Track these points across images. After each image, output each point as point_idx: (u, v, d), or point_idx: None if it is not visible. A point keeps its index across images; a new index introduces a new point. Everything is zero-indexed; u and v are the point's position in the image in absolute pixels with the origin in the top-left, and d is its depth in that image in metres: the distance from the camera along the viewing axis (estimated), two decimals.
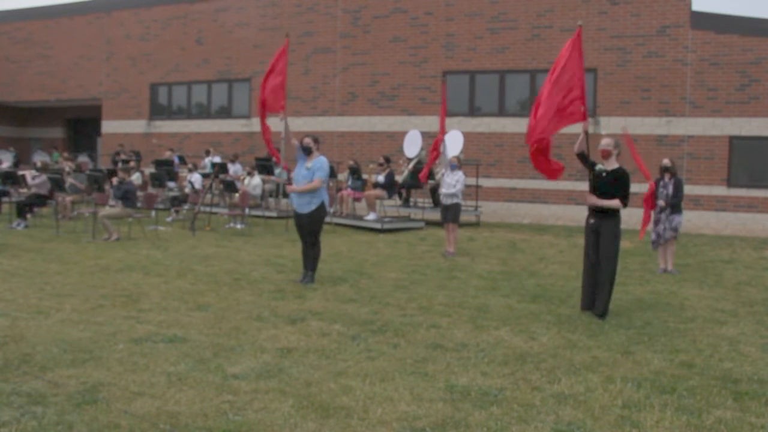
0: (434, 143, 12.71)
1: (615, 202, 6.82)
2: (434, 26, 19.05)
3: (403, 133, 17.41)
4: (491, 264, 10.46)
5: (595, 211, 6.95)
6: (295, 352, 5.35)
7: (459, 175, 11.45)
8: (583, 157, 7.08)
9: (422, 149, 16.36)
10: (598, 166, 6.99)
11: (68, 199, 14.83)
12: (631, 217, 15.39)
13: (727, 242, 13.56)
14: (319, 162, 8.39)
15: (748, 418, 4.20)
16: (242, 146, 21.36)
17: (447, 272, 9.57)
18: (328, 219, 14.82)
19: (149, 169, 18.82)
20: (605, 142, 6.99)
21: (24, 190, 15.16)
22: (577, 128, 7.34)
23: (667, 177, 10.07)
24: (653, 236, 10.22)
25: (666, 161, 10.29)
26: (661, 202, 9.98)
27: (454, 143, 15.22)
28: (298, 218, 8.49)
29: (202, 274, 8.84)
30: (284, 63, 8.75)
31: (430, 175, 15.65)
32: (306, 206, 8.36)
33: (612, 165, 6.96)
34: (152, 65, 23.56)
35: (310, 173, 8.35)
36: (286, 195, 13.98)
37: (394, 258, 10.82)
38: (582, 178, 16.95)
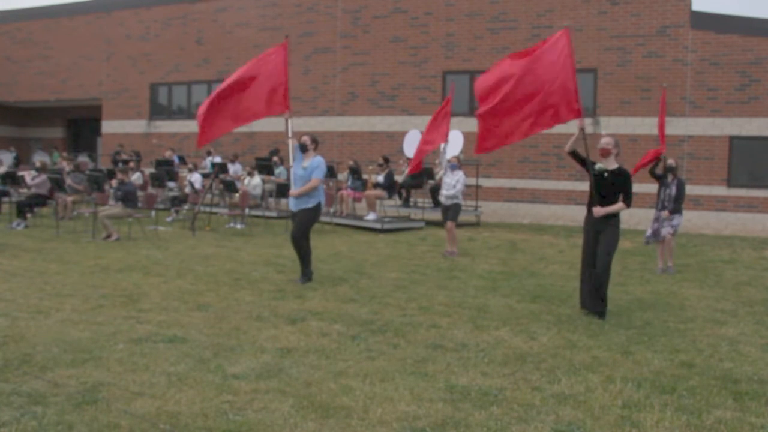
0: (432, 140, 12.30)
1: (619, 206, 6.77)
2: (434, 26, 19.05)
3: (403, 133, 17.42)
4: (491, 264, 10.46)
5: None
6: (295, 352, 5.35)
7: (459, 175, 11.44)
8: (576, 156, 7.01)
9: None
10: (598, 166, 6.93)
11: (69, 199, 14.84)
12: (632, 217, 15.42)
13: (727, 242, 13.56)
14: (316, 161, 8.42)
15: (748, 418, 4.20)
16: (242, 146, 21.37)
17: (447, 272, 9.56)
18: (327, 219, 14.85)
19: (149, 169, 18.82)
20: (605, 141, 6.94)
21: (24, 190, 15.16)
22: (574, 128, 7.31)
23: (670, 177, 10.08)
24: (648, 232, 10.23)
25: (671, 161, 10.30)
26: (665, 213, 9.97)
27: (454, 143, 15.21)
28: (293, 216, 8.54)
29: (202, 274, 8.84)
30: (285, 64, 8.72)
31: (430, 175, 15.67)
32: (302, 204, 8.38)
33: (612, 164, 6.91)
34: (152, 65, 23.56)
35: (306, 173, 8.36)
36: (285, 195, 14.00)
37: (394, 258, 10.82)
38: (582, 178, 16.94)
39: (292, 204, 8.53)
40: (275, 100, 8.66)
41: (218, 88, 8.79)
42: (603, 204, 6.81)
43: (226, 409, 4.12)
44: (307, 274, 8.42)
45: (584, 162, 6.98)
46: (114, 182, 13.29)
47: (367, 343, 5.69)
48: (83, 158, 22.96)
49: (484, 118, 7.11)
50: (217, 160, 18.78)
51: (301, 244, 8.41)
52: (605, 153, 6.89)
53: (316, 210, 8.47)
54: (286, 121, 8.66)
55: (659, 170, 10.37)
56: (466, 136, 16.33)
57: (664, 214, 9.96)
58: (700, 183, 16.32)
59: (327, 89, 20.43)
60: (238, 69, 9.04)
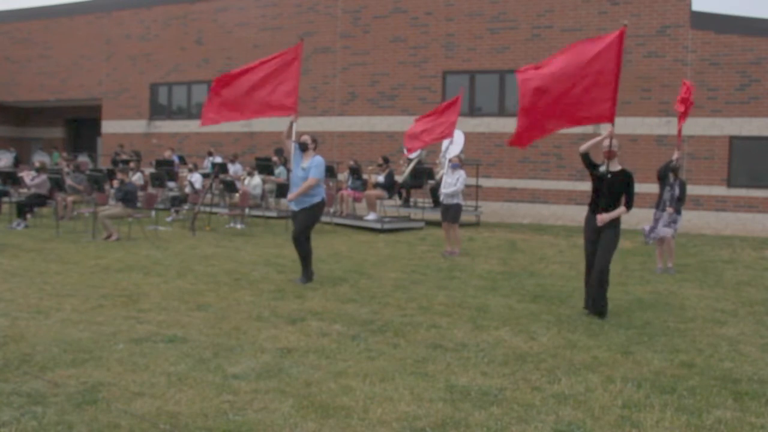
0: (433, 129, 12.09)
1: (621, 210, 6.81)
2: (434, 26, 19.05)
3: (403, 133, 17.39)
4: (491, 264, 10.46)
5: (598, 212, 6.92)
6: (295, 352, 5.35)
7: (460, 174, 11.43)
8: (586, 158, 7.01)
9: (422, 149, 16.34)
10: (602, 168, 6.94)
11: (69, 199, 14.84)
12: (632, 217, 15.36)
13: (727, 242, 13.56)
14: (315, 161, 8.38)
15: (748, 418, 4.20)
16: (242, 146, 21.36)
17: (447, 272, 9.56)
18: (328, 219, 14.84)
19: (149, 169, 18.83)
20: (609, 143, 6.94)
21: (24, 190, 15.16)
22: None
23: (672, 177, 10.08)
24: (647, 231, 10.21)
25: (674, 162, 10.30)
26: (670, 210, 9.98)
27: (455, 143, 15.19)
28: (294, 215, 8.50)
29: (202, 274, 8.84)
30: (298, 67, 8.77)
31: (430, 175, 15.67)
32: (302, 203, 8.35)
33: (616, 166, 6.92)
34: (152, 65, 23.56)
35: (306, 173, 8.33)
36: (285, 195, 13.99)
37: (394, 258, 10.82)
38: (581, 178, 16.94)
39: (293, 204, 8.49)
40: (284, 101, 8.69)
41: (236, 72, 8.88)
42: (607, 205, 6.82)
43: (226, 409, 4.12)
44: (307, 275, 8.41)
45: (592, 165, 6.97)
46: (115, 183, 13.29)
47: (367, 343, 5.69)
48: (83, 158, 22.96)
49: (526, 112, 7.00)
50: (217, 160, 18.78)
51: (302, 243, 8.39)
52: (612, 155, 6.87)
53: (317, 208, 8.44)
54: (291, 123, 8.63)
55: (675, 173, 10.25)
56: (467, 136, 16.33)
57: (669, 210, 9.97)
58: (700, 183, 16.32)
59: (327, 89, 20.43)
60: (255, 62, 9.06)
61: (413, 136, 12.15)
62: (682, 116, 10.41)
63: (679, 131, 10.72)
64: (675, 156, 10.34)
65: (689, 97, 10.26)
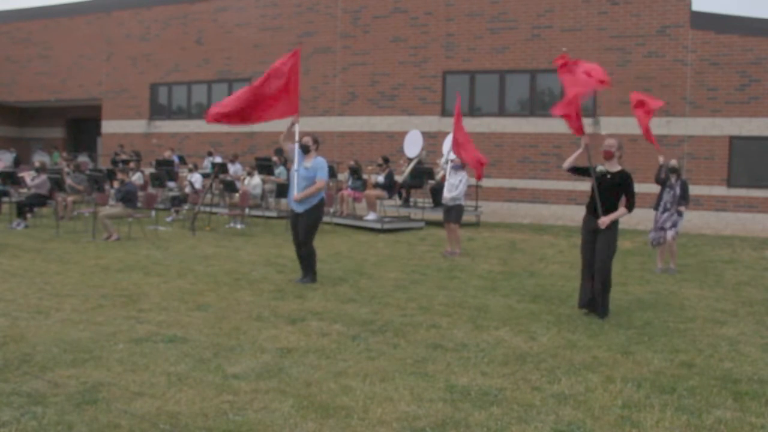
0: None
1: (622, 212, 6.81)
2: (434, 26, 19.05)
3: (403, 133, 17.42)
4: (491, 264, 10.46)
5: (597, 213, 6.88)
6: (295, 352, 5.35)
7: (462, 175, 11.43)
8: (576, 170, 7.04)
9: (422, 149, 16.36)
10: (600, 167, 6.92)
11: (69, 199, 14.84)
12: (632, 217, 15.36)
13: (727, 242, 13.56)
14: (319, 162, 8.40)
15: (748, 418, 4.20)
16: (242, 146, 21.36)
17: (447, 272, 9.56)
18: (328, 219, 14.84)
19: (149, 169, 18.83)
20: (608, 143, 6.91)
21: (24, 190, 15.16)
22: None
23: (673, 178, 10.08)
24: (652, 235, 10.23)
25: (674, 162, 10.29)
26: (682, 208, 10.00)
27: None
28: (295, 218, 8.48)
29: (202, 274, 8.84)
30: (297, 70, 8.76)
31: (430, 175, 15.68)
32: (307, 204, 8.35)
33: (615, 167, 6.89)
34: (152, 65, 23.56)
35: (309, 173, 8.33)
36: (285, 195, 13.97)
37: (394, 258, 10.82)
38: (581, 178, 16.93)
39: (295, 205, 8.47)
40: (285, 104, 8.67)
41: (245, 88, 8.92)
42: (604, 206, 6.79)
43: (226, 409, 4.12)
44: (311, 276, 8.41)
45: (585, 170, 6.99)
46: (115, 183, 13.28)
47: (367, 343, 5.69)
48: (83, 158, 22.95)
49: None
50: (217, 160, 18.78)
51: (308, 246, 8.40)
52: (608, 156, 6.87)
53: (318, 210, 8.45)
54: (293, 125, 8.59)
55: (662, 175, 10.26)
56: None
57: (681, 209, 9.99)
58: (700, 183, 16.32)
59: (327, 89, 20.43)
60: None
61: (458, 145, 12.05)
62: (646, 120, 9.54)
63: (649, 135, 9.67)
64: (661, 160, 10.31)
65: (648, 103, 9.62)
